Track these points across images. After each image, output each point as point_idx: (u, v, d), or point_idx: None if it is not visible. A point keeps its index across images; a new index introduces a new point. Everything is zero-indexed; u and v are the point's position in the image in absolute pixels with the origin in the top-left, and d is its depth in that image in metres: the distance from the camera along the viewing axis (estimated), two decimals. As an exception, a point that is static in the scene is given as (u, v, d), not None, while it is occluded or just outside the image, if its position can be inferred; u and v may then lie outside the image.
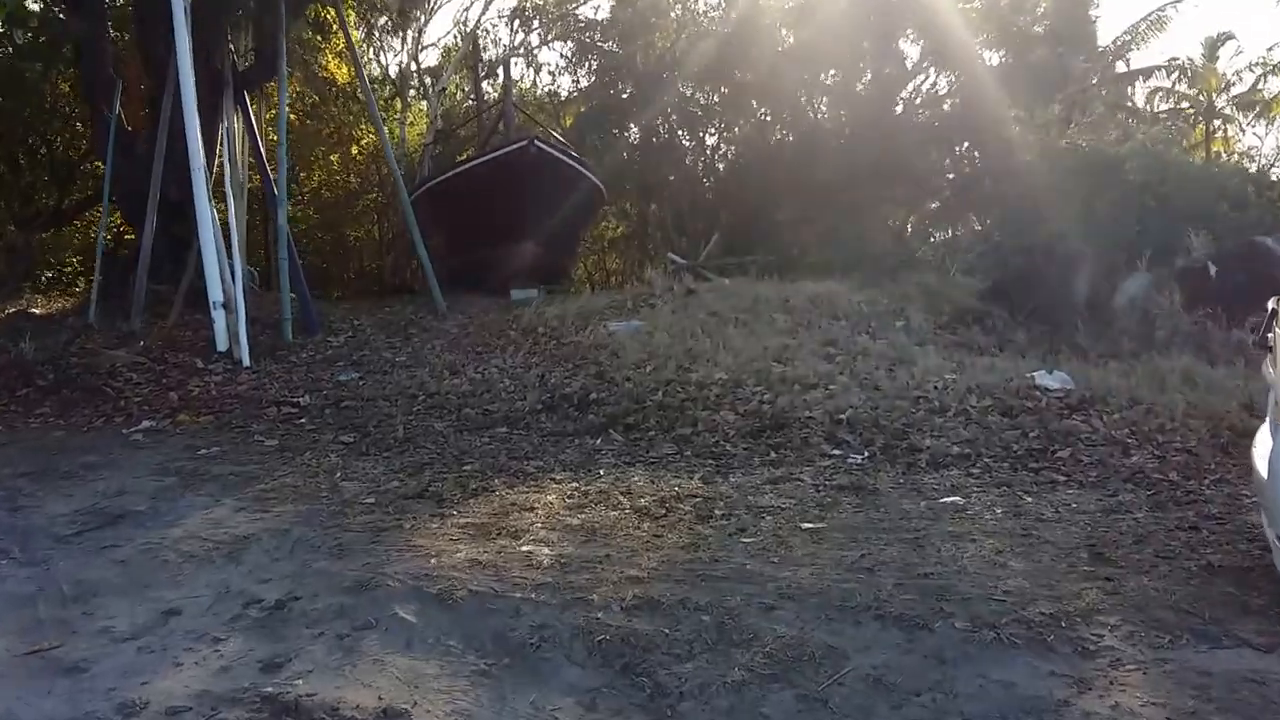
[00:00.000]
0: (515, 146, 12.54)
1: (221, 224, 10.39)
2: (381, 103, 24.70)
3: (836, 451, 6.35)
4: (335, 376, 8.65)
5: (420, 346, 9.65)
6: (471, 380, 8.21)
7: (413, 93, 25.14)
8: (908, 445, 6.38)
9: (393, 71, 24.89)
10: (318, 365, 9.09)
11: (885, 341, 9.00)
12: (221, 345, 9.40)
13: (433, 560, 4.34)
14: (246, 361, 9.10)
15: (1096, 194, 10.82)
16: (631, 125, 20.71)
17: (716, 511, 5.11)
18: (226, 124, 11.56)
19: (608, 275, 23.03)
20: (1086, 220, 10.62)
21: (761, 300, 10.38)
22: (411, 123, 25.26)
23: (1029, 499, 5.39)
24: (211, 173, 11.37)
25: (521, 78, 23.93)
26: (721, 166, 21.44)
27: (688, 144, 21.32)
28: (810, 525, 4.85)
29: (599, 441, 6.66)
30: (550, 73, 34.49)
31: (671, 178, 20.84)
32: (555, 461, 6.26)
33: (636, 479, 5.82)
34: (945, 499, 5.37)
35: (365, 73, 20.36)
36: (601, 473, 5.98)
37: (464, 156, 17.62)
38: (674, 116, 20.30)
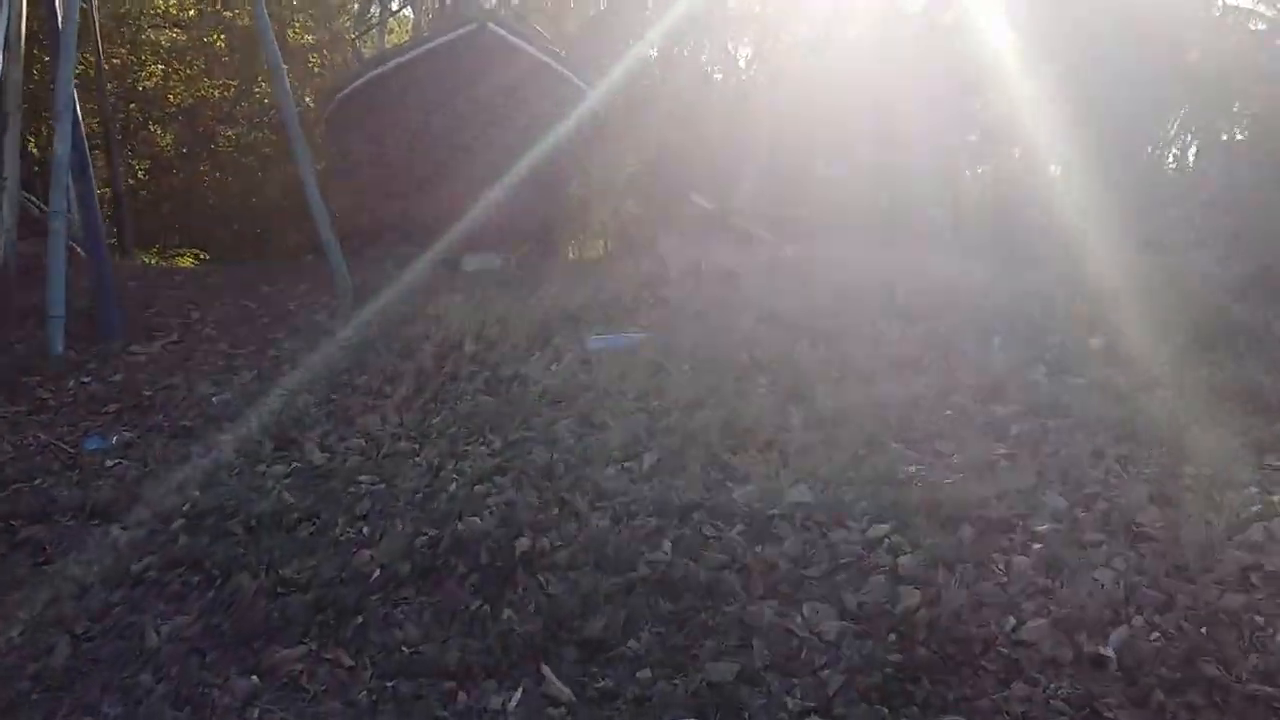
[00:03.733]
0: (462, 30, 8.54)
1: None
2: (353, 10, 21.45)
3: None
4: (82, 442, 4.98)
5: (268, 372, 5.94)
6: (309, 469, 4.48)
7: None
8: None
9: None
10: (74, 409, 5.43)
11: (1085, 382, 5.17)
12: (-69, 366, 5.82)
13: None
14: (-46, 401, 5.49)
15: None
16: (648, 34, 16.90)
17: None
18: (11, 7, 7.78)
19: (623, 226, 19.24)
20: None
21: (850, 292, 6.49)
22: (392, 30, 22.25)
23: None
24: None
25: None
26: (759, 94, 17.52)
27: (718, 59, 17.60)
28: None
29: (513, 700, 2.95)
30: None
31: (705, 101, 16.96)
32: (389, 782, 2.60)
33: None
34: None
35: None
36: None
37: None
38: (700, 23, 16.44)
